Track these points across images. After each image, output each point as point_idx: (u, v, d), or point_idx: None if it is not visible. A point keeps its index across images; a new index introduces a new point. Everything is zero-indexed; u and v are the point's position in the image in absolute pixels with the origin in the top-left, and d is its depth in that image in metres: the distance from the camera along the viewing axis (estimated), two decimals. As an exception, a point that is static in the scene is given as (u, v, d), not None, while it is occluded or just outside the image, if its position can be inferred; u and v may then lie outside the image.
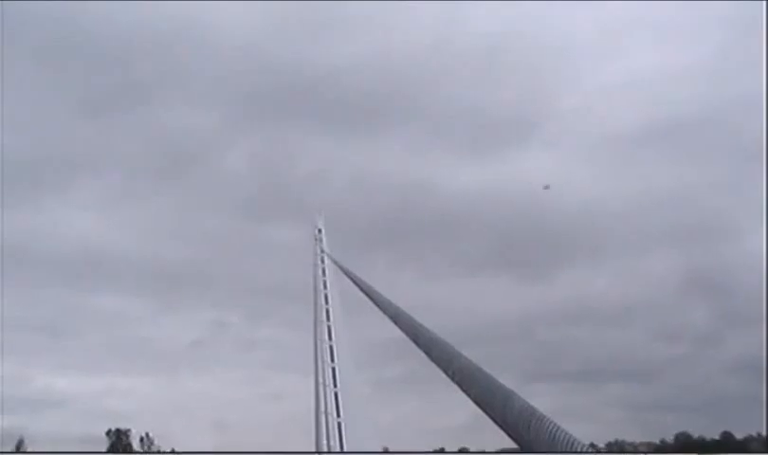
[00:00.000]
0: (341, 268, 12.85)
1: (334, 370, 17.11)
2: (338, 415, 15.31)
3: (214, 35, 40.88)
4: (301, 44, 41.42)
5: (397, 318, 6.23)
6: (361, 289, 8.91)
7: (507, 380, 3.64)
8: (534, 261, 43.50)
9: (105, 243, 41.44)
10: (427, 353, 4.86)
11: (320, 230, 21.99)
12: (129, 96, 42.30)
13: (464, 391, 3.77)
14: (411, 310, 6.05)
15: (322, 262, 20.71)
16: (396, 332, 5.85)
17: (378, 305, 7.31)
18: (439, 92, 44.73)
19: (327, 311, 19.09)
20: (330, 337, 18.27)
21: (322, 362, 17.29)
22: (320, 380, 16.43)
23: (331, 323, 18.76)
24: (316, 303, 19.29)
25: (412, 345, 5.26)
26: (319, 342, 18.07)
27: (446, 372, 4.29)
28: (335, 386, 16.51)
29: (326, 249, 20.85)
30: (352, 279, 10.30)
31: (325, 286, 19.82)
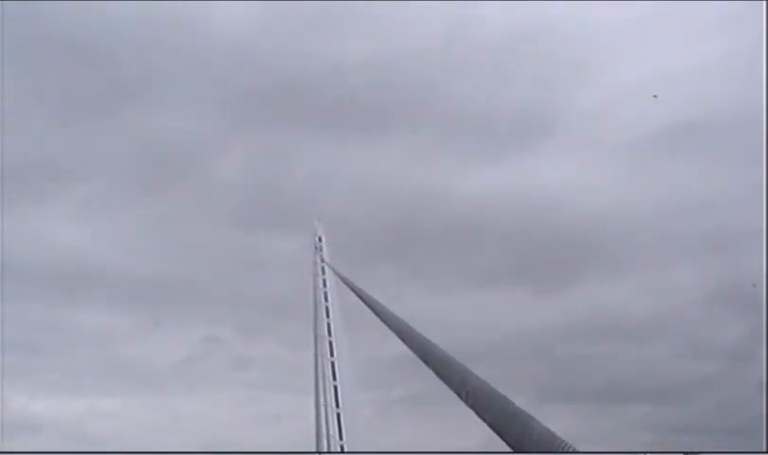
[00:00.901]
0: (343, 279, 12.81)
1: (336, 389, 17.01)
2: (341, 438, 15.19)
3: (206, 31, 41.31)
4: (301, 40, 41.73)
5: (404, 333, 6.17)
6: (365, 302, 8.83)
7: (522, 400, 3.58)
8: (551, 272, 43.34)
9: (88, 255, 41.53)
10: (437, 372, 4.79)
11: (320, 239, 21.92)
12: (113, 97, 42.46)
13: (478, 414, 3.71)
14: (419, 325, 5.99)
15: (323, 272, 20.61)
16: (403, 349, 5.78)
17: (383, 320, 7.25)
18: (450, 92, 44.74)
19: (328, 326, 19.00)
20: (331, 354, 18.17)
21: (323, 381, 17.19)
22: (321, 400, 16.29)
23: (332, 339, 18.67)
24: (316, 317, 19.19)
25: (421, 364, 5.20)
26: (319, 359, 17.97)
27: (458, 393, 4.23)
28: (337, 406, 16.38)
29: (327, 259, 20.77)
30: (354, 291, 10.23)
31: (326, 299, 19.73)
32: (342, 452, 15.29)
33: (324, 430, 15.21)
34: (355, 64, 44.32)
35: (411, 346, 5.74)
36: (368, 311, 8.28)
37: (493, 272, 45.63)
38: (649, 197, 42.94)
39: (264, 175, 47.43)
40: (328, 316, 19.33)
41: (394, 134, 48.60)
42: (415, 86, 46.15)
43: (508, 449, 3.38)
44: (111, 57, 42.23)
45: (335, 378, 17.51)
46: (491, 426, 3.51)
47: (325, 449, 13.43)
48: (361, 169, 46.01)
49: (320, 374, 17.49)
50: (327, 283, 20.26)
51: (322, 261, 20.93)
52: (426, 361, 5.11)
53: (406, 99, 46.28)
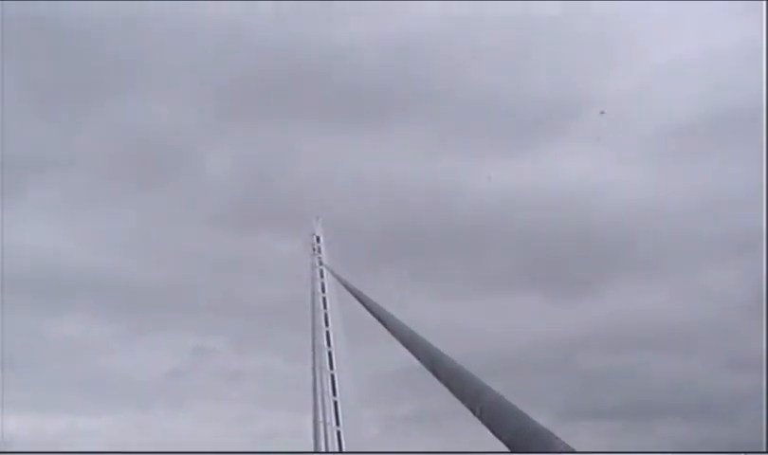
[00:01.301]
0: (344, 284, 12.78)
1: (336, 405, 16.99)
2: (342, 459, 15.16)
3: (192, 13, 41.18)
4: (299, 21, 41.59)
5: (411, 343, 6.13)
6: (367, 308, 8.80)
7: (543, 417, 3.55)
8: (573, 275, 43.07)
9: (66, 258, 41.36)
10: (448, 385, 4.76)
11: (318, 239, 21.91)
12: (92, 87, 42.38)
13: (494, 432, 3.67)
14: (427, 334, 5.96)
15: (321, 276, 20.59)
16: (411, 360, 5.76)
17: (388, 328, 7.22)
18: (463, 77, 44.47)
19: (327, 335, 18.97)
20: (331, 366, 18.15)
21: (322, 396, 17.16)
22: (321, 418, 16.27)
23: (332, 349, 18.65)
24: (314, 325, 19.16)
25: (430, 376, 5.18)
26: (318, 372, 17.95)
27: (471, 409, 4.19)
28: (337, 424, 16.36)
29: (325, 261, 20.75)
30: (356, 296, 10.20)
31: (325, 305, 19.70)
32: (341, 452, 15.56)
33: (324, 450, 15.20)
34: (356, 47, 44.35)
35: (419, 357, 5.69)
36: (371, 318, 8.25)
37: (508, 275, 45.59)
38: (681, 192, 42.75)
39: (257, 170, 47.54)
40: (327, 324, 19.30)
41: (401, 125, 48.54)
42: (425, 72, 46.11)
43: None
44: (89, 42, 42.39)
45: (335, 393, 17.50)
46: (508, 445, 3.47)
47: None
48: (364, 163, 46.01)
49: (319, 389, 17.48)
50: (326, 288, 20.24)
51: (321, 263, 20.91)
52: (436, 374, 5.08)
53: (414, 86, 46.26)
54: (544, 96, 47.00)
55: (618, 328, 39.61)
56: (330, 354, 18.82)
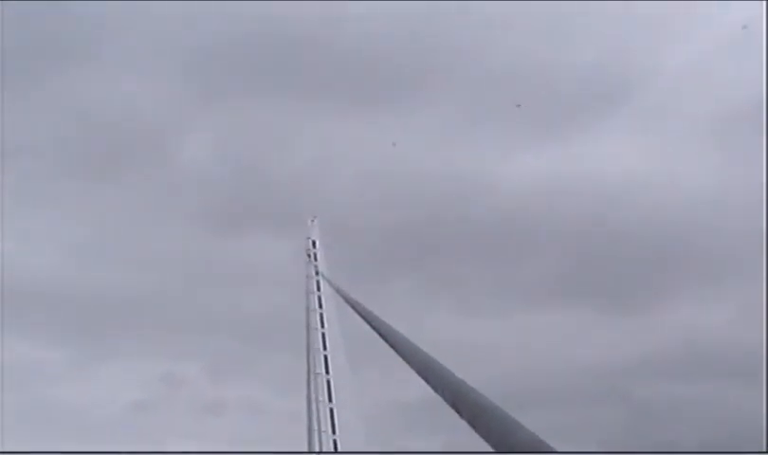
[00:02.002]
0: (345, 298, 12.77)
1: (335, 445, 17.01)
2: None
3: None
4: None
5: (428, 370, 6.09)
6: (374, 328, 8.77)
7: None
8: (623, 286, 42.67)
9: (11, 266, 41.20)
10: (472, 423, 4.70)
11: (314, 243, 21.96)
12: (40, 55, 42.36)
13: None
14: (448, 359, 5.92)
15: (318, 288, 20.64)
16: (427, 391, 5.74)
17: (399, 351, 7.19)
18: (491, 51, 44.13)
19: (325, 359, 19.00)
20: (330, 398, 18.15)
21: (319, 433, 17.18)
22: (317, 460, 16.36)
23: (331, 377, 18.66)
24: (309, 348, 19.20)
25: (450, 411, 5.13)
26: (314, 404, 17.96)
27: (497, 448, 4.14)
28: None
29: (323, 271, 20.81)
30: (360, 313, 10.18)
31: (322, 323, 19.74)
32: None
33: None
34: (362, 13, 44.28)
35: (436, 387, 5.64)
36: (379, 340, 8.21)
37: (545, 286, 45.37)
38: (746, 185, 42.38)
39: (243, 159, 47.59)
40: (325, 347, 19.33)
41: (416, 106, 48.40)
42: (445, 41, 45.88)
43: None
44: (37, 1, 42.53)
45: (334, 431, 17.56)
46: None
47: None
48: (371, 151, 45.89)
49: (315, 425, 17.51)
50: (324, 303, 20.27)
51: (317, 273, 20.94)
52: (457, 408, 5.01)
53: (432, 58, 46.11)
54: (589, 71, 46.89)
55: (682, 351, 39.34)
56: (329, 383, 18.85)
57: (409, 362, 6.91)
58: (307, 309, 20.18)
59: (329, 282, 19.45)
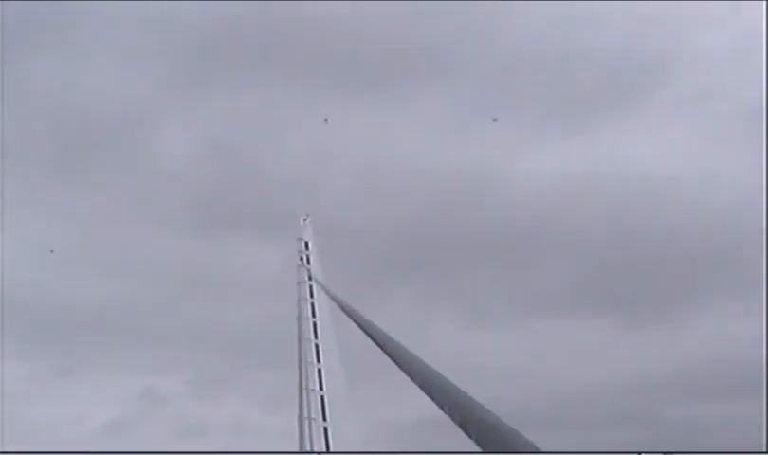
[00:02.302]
0: (341, 305, 12.71)
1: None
2: None
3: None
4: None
5: (433, 385, 6.04)
6: (373, 339, 8.73)
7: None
8: (651, 294, 42.48)
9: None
10: (480, 443, 4.70)
11: (306, 245, 21.92)
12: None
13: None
14: (455, 373, 5.89)
15: (311, 295, 20.60)
16: (432, 408, 5.73)
17: (401, 365, 7.15)
18: (504, 30, 43.93)
19: (320, 373, 18.92)
20: (324, 416, 18.08)
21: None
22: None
23: (325, 393, 18.59)
24: (301, 361, 19.13)
25: (457, 430, 5.12)
26: (306, 423, 17.90)
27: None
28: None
29: (317, 275, 20.77)
30: (357, 322, 10.14)
31: (316, 334, 19.68)
32: (329, 452, 15.97)
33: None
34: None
35: (442, 404, 5.62)
36: (378, 352, 8.18)
37: (564, 294, 45.11)
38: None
39: (229, 153, 47.38)
40: (319, 359, 19.27)
41: (421, 93, 48.09)
42: (458, 21, 45.49)
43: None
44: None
45: (328, 451, 17.54)
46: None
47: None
48: (372, 144, 45.64)
49: (308, 446, 17.48)
50: (318, 311, 20.23)
51: (310, 278, 20.91)
52: (465, 427, 5.00)
53: (442, 40, 45.81)
54: (618, 54, 46.57)
55: (718, 368, 38.86)
56: (323, 399, 18.79)
57: (411, 376, 6.76)
58: (299, 318, 20.12)
59: (323, 287, 19.37)
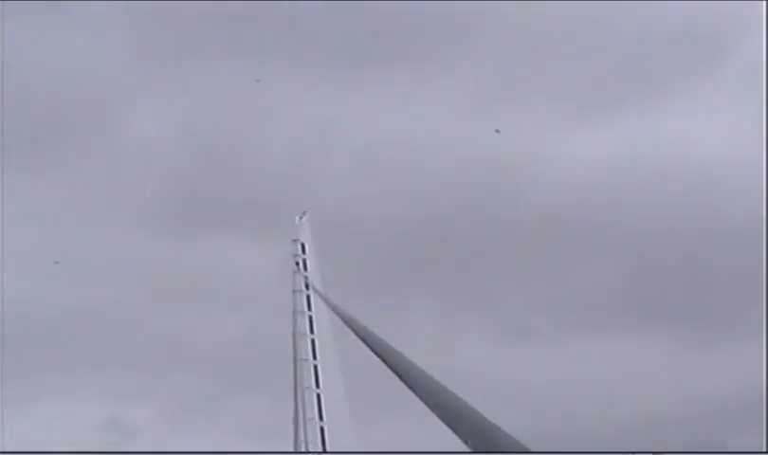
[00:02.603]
0: (345, 319, 12.75)
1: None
2: None
3: None
4: None
5: (455, 414, 6.13)
6: (384, 360, 8.78)
7: None
8: (713, 305, 42.23)
9: None
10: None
11: (302, 247, 21.93)
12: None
13: None
14: (481, 398, 5.89)
15: (309, 307, 20.60)
16: (456, 442, 5.74)
17: (419, 392, 7.19)
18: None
19: (318, 399, 18.92)
20: (324, 449, 18.11)
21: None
22: None
23: (325, 424, 18.61)
24: (297, 385, 19.13)
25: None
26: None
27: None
28: None
29: (315, 284, 20.78)
30: (364, 340, 10.18)
31: (314, 352, 19.68)
32: (324, 452, 16.13)
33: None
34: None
35: (466, 438, 5.72)
36: (389, 375, 8.23)
37: (607, 302, 44.85)
38: None
39: (210, 137, 47.19)
40: (318, 382, 19.29)
41: (437, 66, 47.83)
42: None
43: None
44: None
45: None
46: None
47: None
48: (377, 127, 45.47)
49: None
50: (316, 326, 20.25)
51: (308, 287, 20.92)
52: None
53: (458, 7, 45.55)
54: (668, 26, 46.35)
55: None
56: (323, 431, 18.91)
57: (430, 405, 6.75)
58: (294, 334, 20.13)
59: (323, 298, 19.42)
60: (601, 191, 46.07)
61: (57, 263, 41.78)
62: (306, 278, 21.38)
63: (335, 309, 16.02)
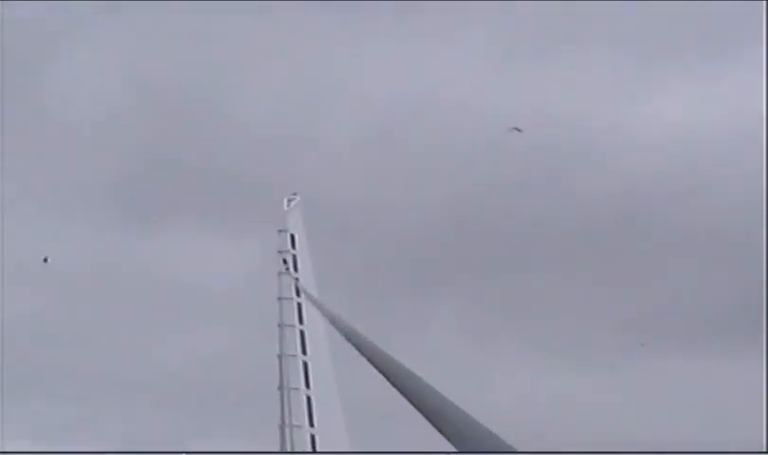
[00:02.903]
0: (346, 334, 12.72)
1: None
2: None
3: None
4: None
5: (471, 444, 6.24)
6: (397, 387, 8.70)
7: None
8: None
9: None
10: None
11: (292, 239, 21.97)
12: None
13: None
14: (520, 432, 5.94)
15: (300, 319, 20.63)
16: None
17: (441, 427, 6.98)
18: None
19: (313, 442, 19.01)
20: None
21: None
22: None
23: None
24: (284, 422, 19.20)
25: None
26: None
27: None
28: None
29: (307, 287, 20.76)
30: (371, 360, 10.10)
31: (307, 380, 19.72)
32: (315, 452, 16.97)
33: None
34: None
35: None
36: (404, 405, 8.16)
37: (690, 320, 44.60)
38: None
39: (174, 91, 47.08)
40: (313, 420, 19.34)
41: (475, 14, 47.48)
42: None
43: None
44: None
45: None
46: None
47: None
48: (392, 78, 45.16)
49: None
50: (309, 345, 20.28)
51: (298, 292, 20.94)
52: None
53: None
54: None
55: None
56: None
57: (453, 442, 6.86)
58: (280, 356, 20.15)
59: (319, 306, 19.29)
60: (679, 165, 46.23)
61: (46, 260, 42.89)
62: (296, 280, 21.36)
63: (334, 322, 15.92)
